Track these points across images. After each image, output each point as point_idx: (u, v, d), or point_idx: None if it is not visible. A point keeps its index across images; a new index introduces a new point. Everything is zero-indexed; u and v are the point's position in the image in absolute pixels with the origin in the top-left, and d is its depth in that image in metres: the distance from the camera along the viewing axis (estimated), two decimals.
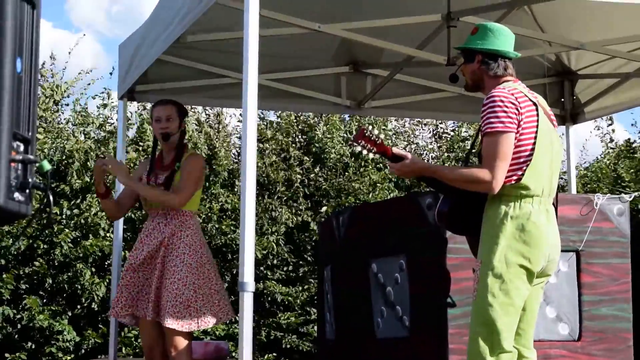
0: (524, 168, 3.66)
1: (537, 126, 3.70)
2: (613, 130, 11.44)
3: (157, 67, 6.11)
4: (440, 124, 12.30)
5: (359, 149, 3.70)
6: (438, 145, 12.00)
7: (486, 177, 3.61)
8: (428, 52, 6.31)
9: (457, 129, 11.70)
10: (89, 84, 11.29)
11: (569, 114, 7.28)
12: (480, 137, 3.77)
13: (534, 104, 3.74)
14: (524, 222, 3.64)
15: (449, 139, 11.86)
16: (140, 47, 6.01)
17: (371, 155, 3.74)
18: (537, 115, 3.71)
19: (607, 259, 5.00)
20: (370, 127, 3.71)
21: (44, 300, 8.98)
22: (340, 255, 5.70)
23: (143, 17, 29.74)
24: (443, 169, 3.81)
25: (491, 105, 3.68)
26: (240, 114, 10.73)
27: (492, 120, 3.65)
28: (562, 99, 7.27)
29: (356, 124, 10.80)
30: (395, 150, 3.75)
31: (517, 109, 3.66)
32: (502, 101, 3.66)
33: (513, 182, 3.66)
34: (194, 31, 5.79)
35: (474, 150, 3.98)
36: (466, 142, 11.19)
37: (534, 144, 3.67)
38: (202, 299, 4.77)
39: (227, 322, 9.17)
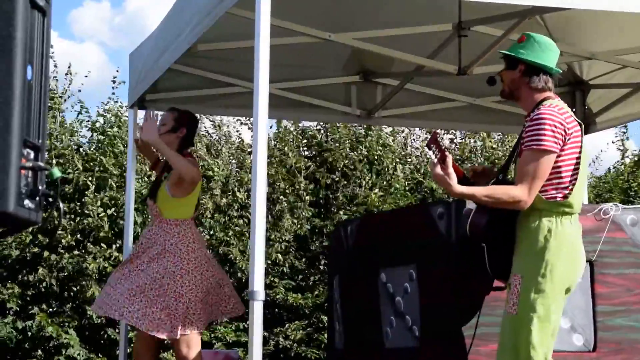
0: (571, 187, 3.72)
1: (581, 146, 3.76)
2: (627, 138, 11.39)
3: (167, 75, 6.10)
4: (446, 133, 12.10)
5: (430, 152, 3.75)
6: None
7: (522, 196, 3.67)
8: (439, 61, 6.30)
9: (464, 139, 11.57)
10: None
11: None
12: (518, 150, 3.78)
13: (579, 124, 3.80)
14: (566, 238, 3.70)
15: (459, 147, 11.73)
16: (150, 56, 6.01)
17: (434, 159, 3.76)
18: (581, 135, 3.78)
19: (621, 270, 4.97)
20: (442, 133, 3.80)
21: (53, 309, 8.98)
22: (349, 265, 5.68)
23: (145, 28, 29.91)
24: (479, 191, 3.76)
25: (540, 122, 3.70)
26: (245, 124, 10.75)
27: (539, 137, 3.67)
28: (574, 109, 7.22)
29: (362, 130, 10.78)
30: (450, 161, 3.75)
31: (565, 131, 3.72)
32: (552, 121, 3.70)
33: (558, 199, 3.71)
34: (205, 40, 5.79)
35: (512, 166, 3.96)
36: (476, 152, 11.14)
37: (578, 163, 3.72)
38: (182, 307, 4.86)
39: (235, 329, 9.18)
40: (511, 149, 3.81)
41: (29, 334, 8.71)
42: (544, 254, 3.67)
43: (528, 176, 3.67)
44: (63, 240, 8.86)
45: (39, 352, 8.85)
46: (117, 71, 22.17)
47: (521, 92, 3.87)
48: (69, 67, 10.39)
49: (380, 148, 10.56)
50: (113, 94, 10.61)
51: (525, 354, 3.67)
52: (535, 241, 3.69)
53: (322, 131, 10.63)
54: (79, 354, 8.69)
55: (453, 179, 3.69)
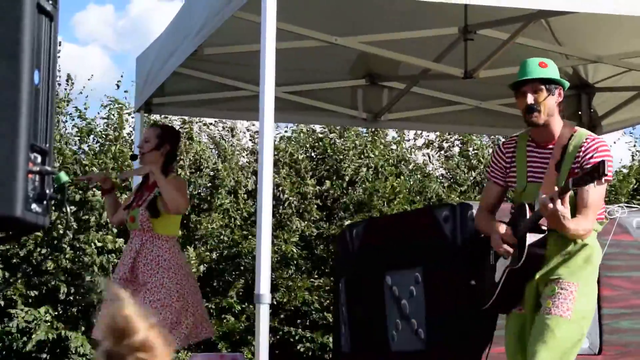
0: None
1: None
2: None
3: (173, 79, 6.12)
4: (444, 141, 11.79)
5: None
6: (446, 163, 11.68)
7: (590, 228, 3.86)
8: (445, 64, 6.30)
9: (463, 145, 11.38)
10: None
11: (586, 127, 7.24)
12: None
13: None
14: (600, 253, 4.00)
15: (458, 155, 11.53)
16: (157, 60, 6.03)
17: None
18: None
19: (627, 272, 4.97)
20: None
21: (59, 310, 8.99)
22: (355, 268, 5.68)
23: (149, 31, 29.94)
24: (574, 225, 3.80)
25: (609, 152, 3.84)
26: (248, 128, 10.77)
27: (609, 169, 3.69)
28: (580, 112, 7.23)
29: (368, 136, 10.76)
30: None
31: None
32: (610, 151, 3.87)
33: (602, 219, 3.99)
34: (211, 44, 5.81)
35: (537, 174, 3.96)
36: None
37: None
38: (176, 320, 4.96)
39: (243, 334, 9.19)
40: (541, 173, 3.88)
41: (34, 336, 8.73)
42: (596, 267, 3.94)
43: (594, 208, 3.83)
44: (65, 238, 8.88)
45: (44, 355, 8.87)
46: (122, 76, 22.08)
47: (554, 118, 3.90)
48: (68, 75, 10.39)
49: (383, 155, 10.57)
50: (125, 98, 10.55)
51: (564, 353, 3.85)
52: (592, 255, 3.91)
53: (329, 135, 10.63)
54: (86, 351, 8.72)
55: (569, 214, 3.74)
